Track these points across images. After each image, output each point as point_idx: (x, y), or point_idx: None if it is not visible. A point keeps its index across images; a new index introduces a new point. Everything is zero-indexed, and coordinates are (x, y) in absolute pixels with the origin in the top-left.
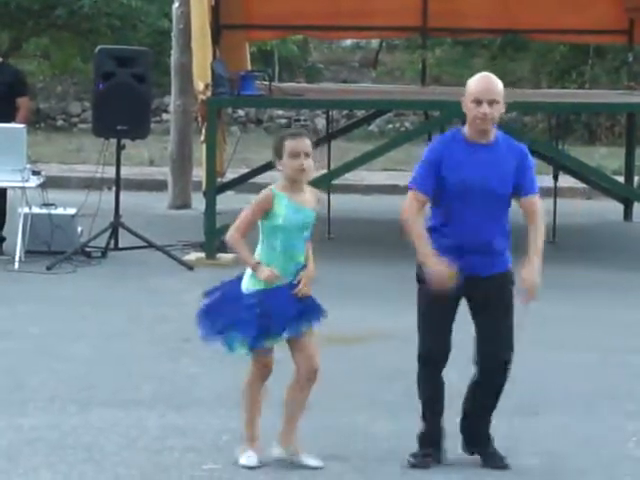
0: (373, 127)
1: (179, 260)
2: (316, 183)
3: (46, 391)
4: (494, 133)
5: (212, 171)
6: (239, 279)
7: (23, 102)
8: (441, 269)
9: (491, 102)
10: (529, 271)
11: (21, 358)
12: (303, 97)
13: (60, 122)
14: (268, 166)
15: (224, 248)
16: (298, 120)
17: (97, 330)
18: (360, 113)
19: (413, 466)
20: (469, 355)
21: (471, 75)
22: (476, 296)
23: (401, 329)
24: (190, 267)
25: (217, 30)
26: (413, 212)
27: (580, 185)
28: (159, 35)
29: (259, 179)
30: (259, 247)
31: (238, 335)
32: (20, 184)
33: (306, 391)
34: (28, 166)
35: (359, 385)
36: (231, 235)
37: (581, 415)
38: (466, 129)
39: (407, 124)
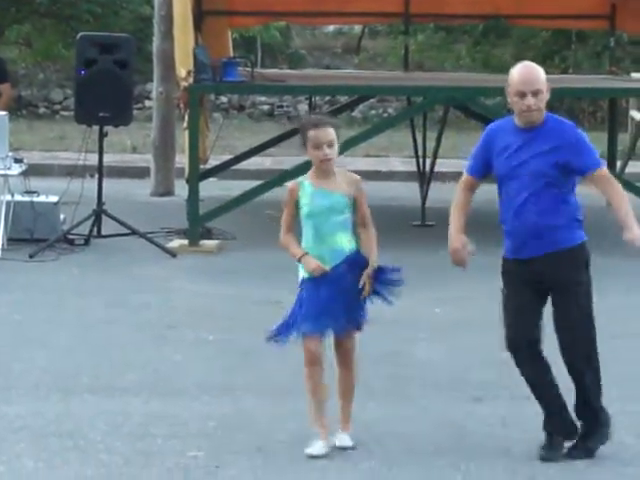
0: (356, 113)
1: (162, 247)
2: (302, 169)
3: (29, 379)
4: (542, 117)
5: (195, 158)
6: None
7: (4, 89)
8: (454, 247)
9: (535, 93)
10: (628, 233)
11: (4, 346)
12: (285, 83)
13: (42, 109)
14: (251, 152)
15: (207, 235)
16: (281, 106)
17: (80, 317)
18: (343, 99)
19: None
20: None
21: (453, 60)
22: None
23: (390, 313)
24: (173, 254)
25: (199, 16)
26: (457, 190)
27: None
28: (141, 21)
29: (242, 165)
30: (302, 238)
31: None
32: (2, 172)
33: (345, 382)
34: (10, 154)
35: None
36: (280, 238)
37: (570, 399)
38: (515, 119)
39: (390, 110)
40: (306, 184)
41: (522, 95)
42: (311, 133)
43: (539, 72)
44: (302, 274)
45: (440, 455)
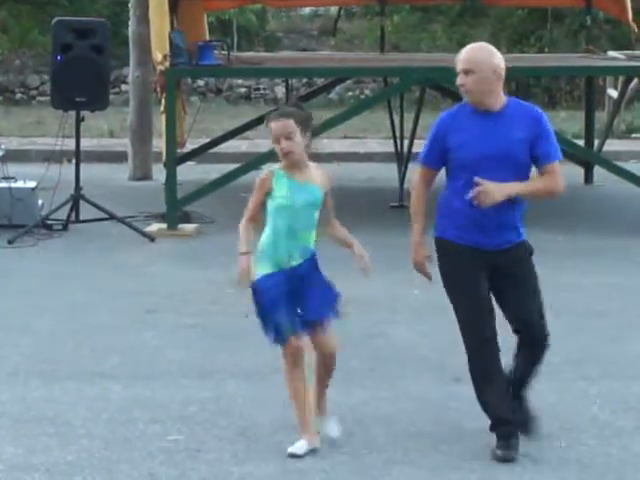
0: (333, 95)
1: (141, 231)
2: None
3: (9, 365)
4: (503, 100)
5: (172, 142)
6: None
7: None
8: (416, 261)
9: (466, 72)
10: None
11: None
12: (262, 66)
13: (19, 95)
14: (228, 135)
15: (185, 219)
16: (258, 89)
17: (59, 303)
18: (320, 81)
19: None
20: None
21: (429, 41)
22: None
23: (368, 295)
24: (152, 238)
25: (175, 0)
26: (414, 185)
27: None
28: (117, 6)
29: (220, 149)
30: (265, 230)
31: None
32: None
33: (324, 375)
34: None
35: None
36: (241, 222)
37: (546, 380)
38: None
39: (367, 91)
40: (281, 173)
41: (458, 73)
42: (270, 125)
43: (477, 53)
44: (259, 270)
45: (421, 436)
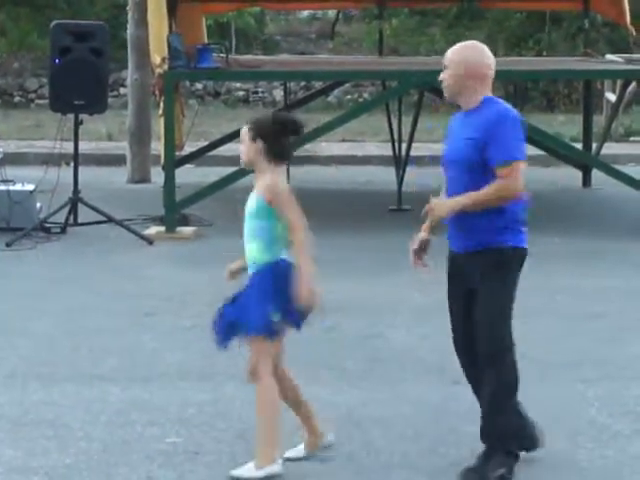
0: (331, 98)
1: (139, 234)
2: None
3: (7, 367)
4: (478, 100)
5: (170, 145)
6: None
7: None
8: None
9: (444, 67)
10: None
11: None
12: (260, 69)
13: (17, 98)
14: (227, 139)
15: (184, 222)
16: (256, 92)
17: (58, 305)
18: (318, 84)
19: None
20: None
21: (428, 44)
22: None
23: (368, 297)
24: (150, 241)
25: (173, 3)
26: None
27: (539, 152)
28: (115, 9)
29: (218, 152)
30: None
31: None
32: None
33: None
34: None
35: (323, 355)
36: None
37: (544, 383)
38: None
39: (365, 95)
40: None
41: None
42: None
43: (457, 50)
44: None
45: (420, 439)
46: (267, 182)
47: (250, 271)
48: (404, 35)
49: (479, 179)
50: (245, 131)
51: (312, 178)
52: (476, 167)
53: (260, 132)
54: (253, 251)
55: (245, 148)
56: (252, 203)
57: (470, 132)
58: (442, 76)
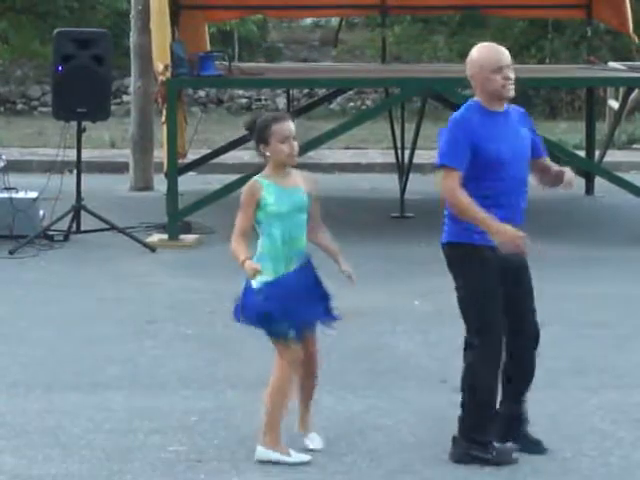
0: (334, 105)
1: (142, 242)
2: None
3: (10, 375)
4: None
5: (173, 152)
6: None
7: None
8: (511, 231)
9: (510, 66)
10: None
11: None
12: (263, 77)
13: (20, 106)
14: (229, 146)
15: (186, 229)
16: (259, 100)
17: (60, 313)
18: (321, 92)
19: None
20: None
21: (431, 52)
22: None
23: (369, 306)
24: (153, 249)
25: (176, 11)
26: (458, 188)
27: None
28: (118, 16)
29: (221, 160)
30: (259, 241)
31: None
32: None
33: (308, 384)
34: None
35: (324, 363)
36: (232, 241)
37: (547, 390)
38: (483, 101)
39: (368, 102)
40: (267, 182)
41: (500, 69)
42: (276, 127)
43: (505, 49)
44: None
45: (422, 446)
46: (310, 178)
47: (303, 260)
48: (407, 42)
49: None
50: (293, 126)
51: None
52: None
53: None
54: (304, 243)
55: (296, 143)
56: (296, 198)
57: (523, 128)
58: (512, 75)
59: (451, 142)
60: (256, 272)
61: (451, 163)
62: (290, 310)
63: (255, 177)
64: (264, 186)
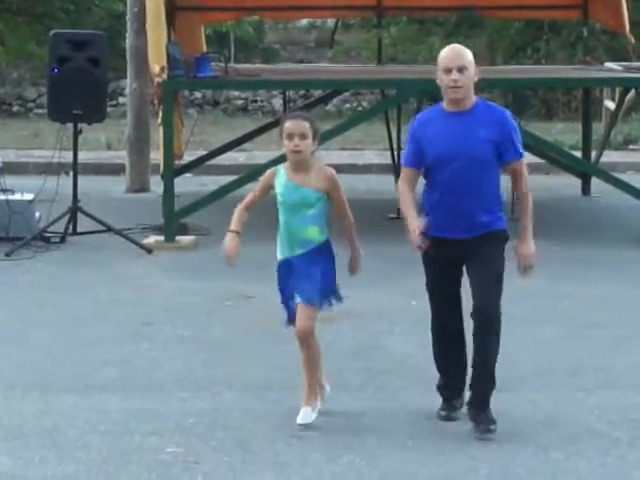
0: (330, 107)
1: (138, 244)
2: (276, 163)
3: (6, 377)
4: (472, 101)
5: (169, 154)
6: None
7: None
8: (412, 229)
9: (460, 69)
10: (526, 247)
11: None
12: (259, 78)
13: (16, 107)
14: (226, 147)
15: (183, 231)
16: (255, 101)
17: (56, 315)
18: (317, 93)
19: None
20: None
21: (427, 53)
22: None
23: (366, 306)
24: (149, 250)
25: (172, 12)
26: (402, 184)
27: (538, 160)
28: (114, 18)
29: (217, 161)
30: None
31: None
32: None
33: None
34: None
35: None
36: (237, 207)
37: (543, 391)
38: (444, 101)
39: (364, 103)
40: (282, 172)
41: (448, 71)
42: (286, 124)
43: (465, 51)
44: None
45: (418, 447)
46: (328, 173)
47: (309, 248)
48: (403, 43)
49: (490, 174)
50: (307, 126)
51: None
52: (490, 163)
53: (318, 135)
54: (314, 233)
55: (306, 143)
56: (301, 196)
57: (486, 129)
58: (461, 77)
59: (407, 141)
60: (230, 259)
61: (402, 160)
62: (282, 288)
63: (280, 165)
64: (278, 174)
